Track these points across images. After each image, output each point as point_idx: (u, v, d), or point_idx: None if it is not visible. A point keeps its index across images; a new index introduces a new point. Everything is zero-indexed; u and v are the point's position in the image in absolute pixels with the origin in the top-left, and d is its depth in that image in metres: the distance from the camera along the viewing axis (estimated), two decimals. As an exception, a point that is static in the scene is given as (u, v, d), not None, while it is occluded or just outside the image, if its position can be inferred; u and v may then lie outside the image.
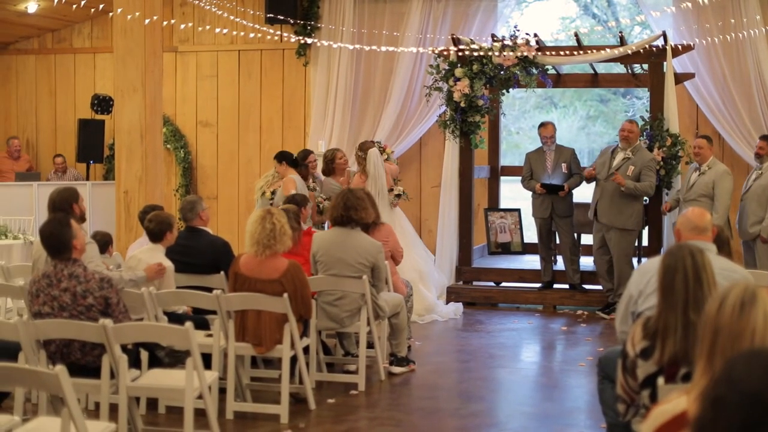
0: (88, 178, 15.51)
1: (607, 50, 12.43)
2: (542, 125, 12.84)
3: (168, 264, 7.98)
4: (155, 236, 8.10)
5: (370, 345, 8.88)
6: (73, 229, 6.52)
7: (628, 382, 4.77)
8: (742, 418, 2.29)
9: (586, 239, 13.77)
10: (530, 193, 12.64)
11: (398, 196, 12.38)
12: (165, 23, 11.18)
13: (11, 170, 15.62)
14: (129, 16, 10.61)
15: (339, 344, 9.37)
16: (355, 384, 8.48)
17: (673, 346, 4.60)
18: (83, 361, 6.40)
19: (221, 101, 15.68)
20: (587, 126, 30.37)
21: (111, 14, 11.00)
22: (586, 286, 12.61)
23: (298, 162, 11.74)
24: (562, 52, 12.53)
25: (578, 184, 12.51)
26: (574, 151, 12.89)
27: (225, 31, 12.99)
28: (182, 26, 13.30)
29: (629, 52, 12.24)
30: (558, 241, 12.70)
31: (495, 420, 7.75)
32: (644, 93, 13.45)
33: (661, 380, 4.57)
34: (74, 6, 11.04)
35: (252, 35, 12.41)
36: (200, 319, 7.88)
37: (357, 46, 13.36)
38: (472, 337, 10.97)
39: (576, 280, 12.53)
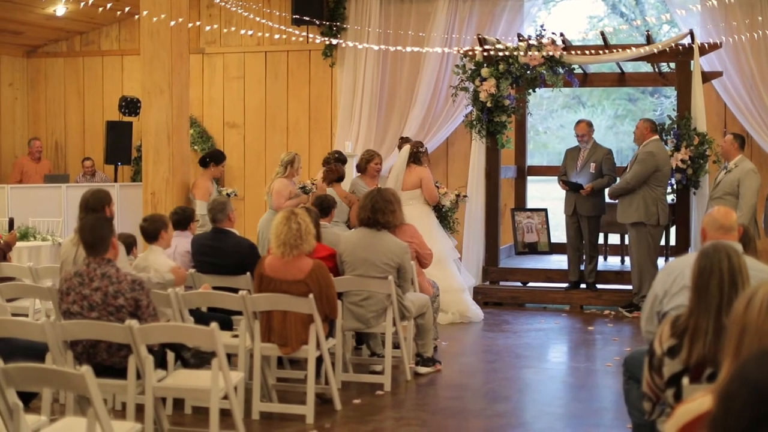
0: (116, 180, 15.59)
1: (633, 49, 12.39)
2: (576, 124, 12.86)
3: (171, 264, 8.04)
4: (150, 236, 8.13)
5: (397, 345, 8.88)
6: (113, 229, 6.60)
7: (654, 380, 4.75)
8: (752, 412, 2.30)
9: (613, 239, 13.75)
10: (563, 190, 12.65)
11: (458, 196, 12.39)
12: (190, 25, 11.20)
13: (35, 172, 15.72)
14: (155, 19, 10.65)
15: (365, 345, 9.39)
16: (381, 384, 8.48)
17: (702, 348, 4.56)
18: (109, 361, 6.43)
19: (248, 102, 15.73)
20: (615, 125, 30.27)
21: (138, 17, 11.04)
22: (603, 286, 12.59)
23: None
24: (588, 52, 12.50)
25: (606, 186, 12.37)
26: (610, 151, 12.74)
27: (250, 32, 12.99)
28: (207, 28, 13.33)
29: (655, 51, 12.19)
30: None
31: (521, 420, 7.74)
32: (672, 92, 13.41)
33: (685, 380, 4.55)
34: (100, 9, 11.07)
35: (277, 36, 12.42)
36: (224, 318, 7.91)
37: (383, 46, 13.35)
38: (499, 337, 10.95)
39: (589, 279, 12.52)
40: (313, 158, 14.79)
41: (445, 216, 12.20)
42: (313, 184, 11.84)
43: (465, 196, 12.57)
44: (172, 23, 10.68)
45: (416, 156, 11.88)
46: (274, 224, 7.56)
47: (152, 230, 8.15)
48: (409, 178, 11.85)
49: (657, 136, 11.88)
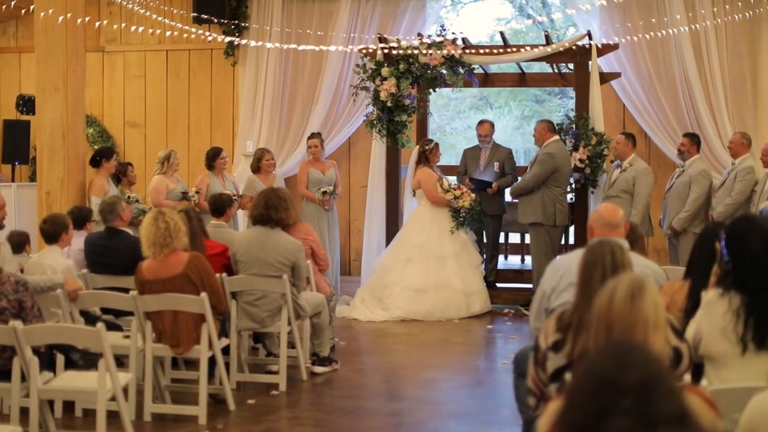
0: (13, 180, 15.29)
1: (528, 48, 12.49)
2: (479, 123, 13.00)
3: (68, 263, 7.94)
4: (50, 237, 8.03)
5: (293, 345, 8.83)
6: None
7: (539, 375, 4.77)
8: (597, 401, 2.33)
9: (513, 238, 13.86)
10: None
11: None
12: (80, 21, 10.97)
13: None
14: (42, 14, 10.46)
15: (262, 345, 9.33)
16: (276, 384, 8.43)
17: (585, 342, 4.58)
18: (-6, 364, 6.30)
19: (149, 101, 15.54)
20: (522, 126, 30.50)
21: (24, 12, 10.83)
22: (504, 285, 12.73)
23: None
24: (483, 51, 12.59)
25: (509, 184, 12.55)
26: (511, 151, 13.01)
27: (142, 29, 12.78)
28: (97, 24, 12.93)
29: (549, 50, 12.29)
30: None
31: (415, 419, 7.73)
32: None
33: (568, 375, 4.57)
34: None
35: (170, 34, 12.24)
36: (111, 321, 7.83)
37: (285, 45, 13.25)
38: (398, 336, 10.95)
39: (490, 277, 12.61)
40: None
41: (463, 216, 12.09)
42: (197, 192, 11.73)
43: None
44: (59, 19, 10.47)
45: (421, 156, 12.19)
46: (143, 226, 7.50)
47: (53, 232, 8.02)
48: (415, 179, 12.21)
49: (557, 137, 12.01)
